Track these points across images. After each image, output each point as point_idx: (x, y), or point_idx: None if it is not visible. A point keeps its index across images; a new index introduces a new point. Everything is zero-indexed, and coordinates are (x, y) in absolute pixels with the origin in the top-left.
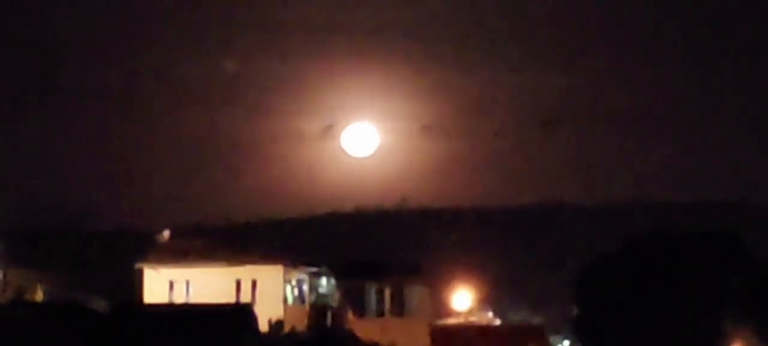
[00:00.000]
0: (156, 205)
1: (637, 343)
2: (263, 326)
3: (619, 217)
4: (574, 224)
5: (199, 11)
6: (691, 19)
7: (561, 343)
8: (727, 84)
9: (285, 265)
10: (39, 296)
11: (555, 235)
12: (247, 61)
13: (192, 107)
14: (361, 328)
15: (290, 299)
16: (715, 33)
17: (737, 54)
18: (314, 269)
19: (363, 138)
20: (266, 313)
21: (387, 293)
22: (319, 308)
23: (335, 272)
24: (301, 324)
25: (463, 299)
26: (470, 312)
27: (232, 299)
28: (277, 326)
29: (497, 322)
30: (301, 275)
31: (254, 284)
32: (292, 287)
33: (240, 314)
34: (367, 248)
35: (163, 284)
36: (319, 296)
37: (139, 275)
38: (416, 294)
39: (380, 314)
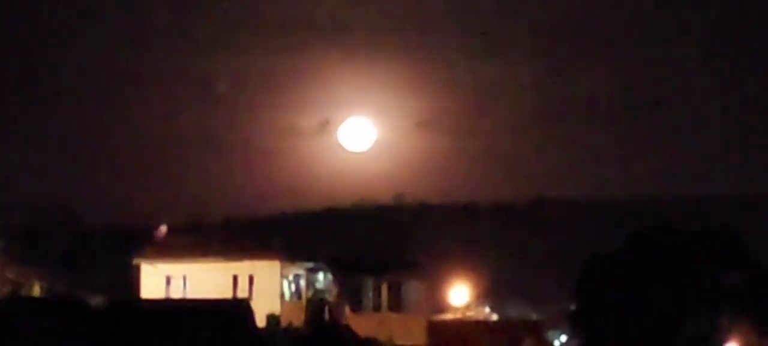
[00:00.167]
0: (153, 200)
1: (634, 339)
2: (260, 321)
3: (618, 213)
4: (571, 220)
5: (194, 8)
6: (689, 14)
7: (558, 338)
8: (725, 79)
9: (282, 260)
10: (36, 291)
11: (553, 230)
12: (244, 57)
13: (188, 103)
14: (358, 323)
15: (287, 295)
16: (712, 27)
17: (735, 49)
18: (311, 265)
19: (360, 133)
20: (263, 308)
21: (384, 288)
22: (316, 303)
23: (332, 267)
24: (298, 319)
25: (460, 295)
26: (467, 307)
27: (229, 295)
28: (274, 321)
29: (494, 317)
30: (298, 270)
31: (251, 279)
32: (289, 283)
33: (237, 309)
34: (365, 243)
35: (160, 279)
36: (317, 291)
37: (136, 270)
38: (413, 289)
39: (377, 309)
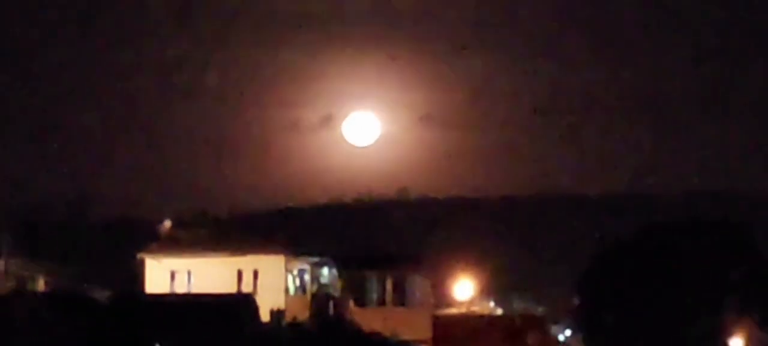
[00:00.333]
0: (157, 195)
1: (638, 333)
2: (265, 316)
3: (621, 207)
4: (575, 214)
5: (197, 4)
6: (690, 8)
7: (562, 333)
8: (728, 73)
9: (287, 255)
10: (40, 286)
11: (556, 225)
12: (248, 52)
13: (191, 99)
14: (362, 318)
15: (292, 289)
16: (715, 21)
17: (737, 43)
18: (316, 259)
19: (364, 127)
20: (268, 303)
21: (389, 283)
22: (320, 298)
23: (337, 262)
24: (303, 314)
25: (464, 289)
26: (472, 302)
27: (233, 289)
28: (278, 316)
29: (499, 312)
30: (302, 265)
31: (256, 274)
32: (294, 277)
33: (241, 304)
34: (369, 237)
35: (164, 274)
36: (321, 286)
37: (141, 265)
38: (418, 284)
39: (382, 304)
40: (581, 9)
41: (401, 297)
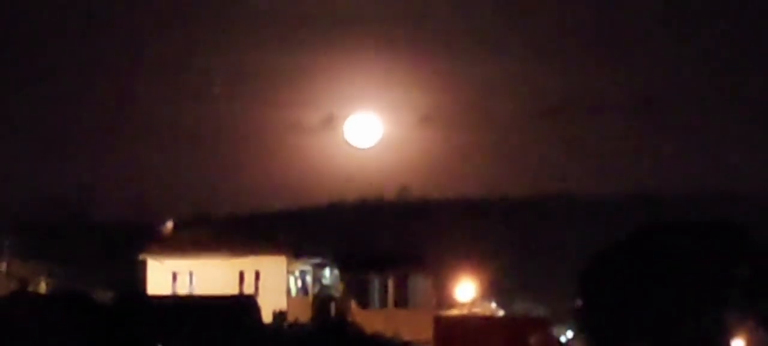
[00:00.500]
0: (159, 196)
1: (640, 334)
2: (266, 318)
3: (623, 208)
4: (577, 215)
5: (198, 4)
6: (691, 7)
7: (565, 334)
8: (731, 73)
9: (288, 256)
10: (42, 287)
11: (558, 226)
12: (249, 53)
13: (193, 100)
14: (364, 319)
15: (293, 291)
16: (718, 21)
17: (742, 43)
18: (318, 261)
19: (366, 129)
20: (269, 304)
21: (390, 284)
22: (322, 300)
23: (339, 263)
24: (305, 315)
25: (466, 290)
26: (474, 303)
27: (235, 291)
28: (280, 317)
29: (501, 313)
30: (304, 266)
31: (257, 275)
32: (296, 279)
33: (243, 305)
34: (371, 239)
35: (166, 275)
36: (323, 287)
37: (143, 266)
38: (420, 285)
39: (384, 305)
40: (583, 10)
41: (403, 298)
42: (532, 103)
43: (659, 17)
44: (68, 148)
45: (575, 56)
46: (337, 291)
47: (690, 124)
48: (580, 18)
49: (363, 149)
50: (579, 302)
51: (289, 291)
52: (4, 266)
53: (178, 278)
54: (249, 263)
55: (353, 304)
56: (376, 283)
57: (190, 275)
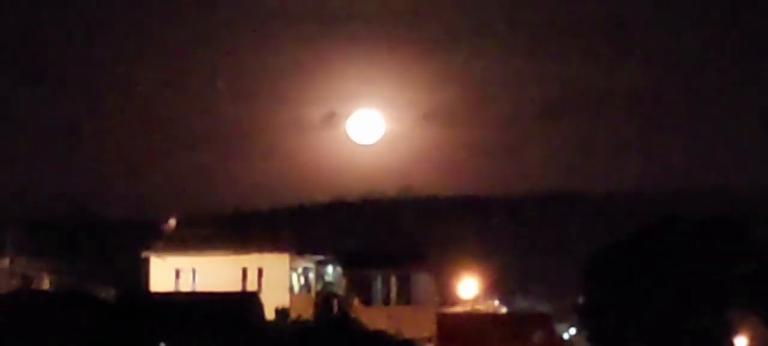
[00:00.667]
0: (162, 194)
1: (644, 331)
2: (269, 315)
3: (625, 205)
4: (579, 212)
5: (200, 3)
6: (693, 5)
7: (567, 331)
8: (734, 70)
9: (291, 253)
10: (45, 284)
11: (561, 223)
12: (253, 50)
13: (195, 98)
14: (367, 316)
15: (296, 288)
16: (722, 16)
17: (746, 38)
18: (320, 258)
19: (368, 125)
20: (272, 301)
21: (393, 281)
22: (325, 297)
23: (342, 260)
24: (307, 313)
25: (469, 288)
26: (476, 300)
27: (238, 288)
28: (283, 314)
29: (503, 310)
30: (307, 263)
31: (260, 272)
32: (299, 276)
33: (246, 302)
34: (374, 236)
35: (169, 272)
36: (326, 284)
37: (146, 263)
38: (422, 282)
39: (386, 302)
40: (585, 7)
41: (406, 295)
42: (535, 101)
43: (662, 14)
44: (71, 146)
45: (578, 53)
46: (340, 288)
47: (693, 122)
48: (582, 15)
49: (366, 146)
50: (581, 299)
51: (291, 288)
52: (7, 264)
53: (181, 275)
54: (252, 261)
55: (356, 301)
56: (378, 280)
57: (193, 272)
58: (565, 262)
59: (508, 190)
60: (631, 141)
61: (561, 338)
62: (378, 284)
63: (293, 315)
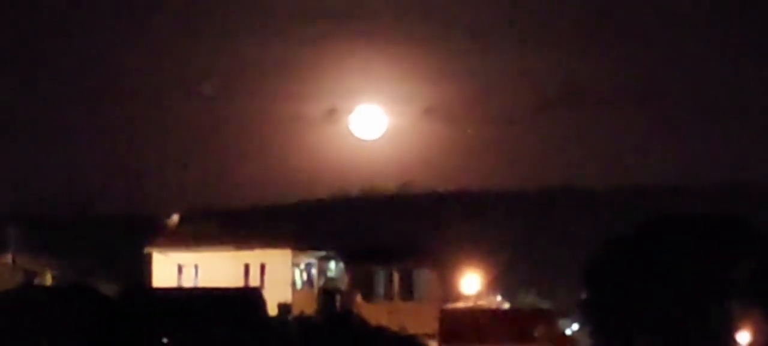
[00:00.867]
0: (164, 190)
1: (645, 327)
2: (272, 310)
3: (628, 200)
4: (582, 208)
5: None
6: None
7: (570, 327)
8: (735, 64)
9: (293, 249)
10: (48, 280)
11: (563, 218)
12: (255, 45)
13: (197, 94)
14: (369, 312)
15: (299, 284)
16: (723, 11)
17: (748, 33)
18: (323, 253)
19: (371, 121)
20: (275, 297)
21: (396, 277)
22: (327, 293)
23: (344, 256)
24: (310, 308)
25: (471, 283)
26: (479, 296)
27: (240, 284)
28: (285, 310)
29: (506, 306)
30: (309, 259)
31: (263, 268)
32: (301, 272)
33: (248, 298)
34: (377, 231)
35: (171, 268)
36: (328, 280)
37: (148, 259)
38: (425, 278)
39: (389, 298)
40: (587, 3)
41: (408, 291)
42: (538, 96)
43: (662, 8)
44: (74, 142)
45: (581, 50)
46: (343, 284)
47: (695, 116)
48: (584, 10)
49: (368, 142)
50: (584, 295)
51: (294, 284)
52: (10, 259)
53: (184, 271)
54: (254, 256)
55: (358, 297)
56: (381, 276)
57: (196, 268)
58: (568, 257)
59: (511, 185)
60: (634, 137)
61: (563, 333)
62: (380, 280)
63: (295, 311)
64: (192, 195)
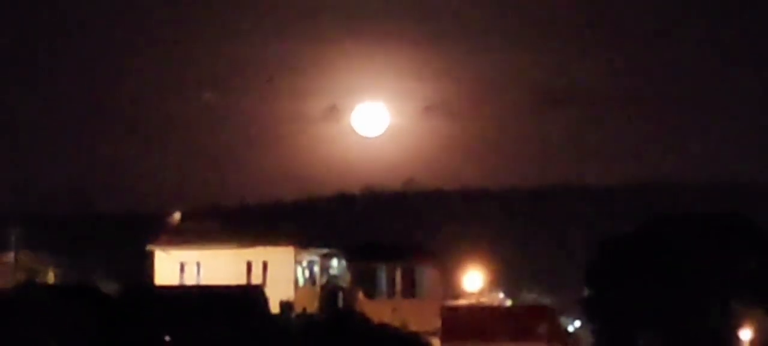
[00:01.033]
0: (166, 187)
1: (647, 324)
2: (274, 308)
3: (631, 198)
4: (584, 205)
5: None
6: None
7: (572, 324)
8: (739, 63)
9: (296, 247)
10: (50, 278)
11: (566, 215)
12: (258, 43)
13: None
14: (372, 309)
15: (301, 281)
16: (723, 11)
17: (745, 33)
18: (325, 251)
19: (373, 118)
20: (277, 294)
21: (398, 274)
22: (330, 290)
23: (346, 253)
24: (312, 306)
25: (473, 280)
26: (481, 293)
27: (242, 281)
28: (287, 307)
29: (508, 303)
30: (312, 256)
31: (265, 265)
32: (303, 269)
33: (251, 295)
34: (379, 229)
35: (173, 265)
36: (330, 277)
37: (150, 257)
38: (427, 275)
39: (391, 295)
40: (588, 3)
41: (410, 288)
42: (539, 94)
43: (663, 8)
44: (77, 141)
45: (582, 48)
46: (345, 281)
47: (698, 116)
48: (586, 10)
49: (370, 139)
50: (586, 292)
51: (296, 281)
52: (12, 257)
53: (186, 268)
54: (257, 254)
55: (361, 294)
56: (383, 273)
57: (198, 265)
58: (570, 255)
59: (513, 182)
60: (635, 135)
61: (565, 330)
62: (382, 277)
63: (298, 308)
64: (194, 193)
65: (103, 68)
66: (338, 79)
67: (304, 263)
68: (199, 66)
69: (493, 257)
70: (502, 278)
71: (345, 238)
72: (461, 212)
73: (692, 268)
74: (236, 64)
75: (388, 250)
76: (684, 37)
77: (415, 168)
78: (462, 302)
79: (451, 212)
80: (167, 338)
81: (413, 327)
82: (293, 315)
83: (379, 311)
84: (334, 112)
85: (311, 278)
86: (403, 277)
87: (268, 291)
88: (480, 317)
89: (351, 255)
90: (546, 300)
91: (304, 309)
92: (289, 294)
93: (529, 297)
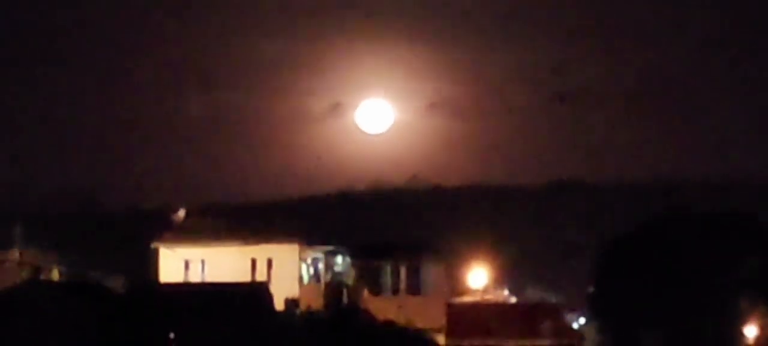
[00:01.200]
0: (171, 185)
1: (652, 322)
2: (279, 305)
3: (636, 195)
4: (589, 203)
5: None
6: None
7: (577, 321)
8: (746, 61)
9: (301, 244)
10: (55, 275)
11: (570, 213)
12: (263, 41)
13: (205, 89)
14: (376, 306)
15: (306, 278)
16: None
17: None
18: (330, 248)
19: (377, 115)
20: (282, 292)
21: (403, 271)
22: (334, 287)
23: (351, 250)
24: (317, 303)
25: (478, 277)
26: (486, 290)
27: (247, 278)
28: (292, 304)
29: (513, 300)
30: (316, 253)
31: (270, 262)
32: (308, 266)
33: (255, 292)
34: (383, 226)
35: (178, 263)
36: (335, 274)
37: (155, 254)
38: (432, 272)
39: (396, 292)
40: (589, 3)
41: (415, 285)
42: (544, 91)
43: (663, 8)
44: (82, 139)
45: (587, 44)
46: (350, 278)
47: (703, 114)
48: (591, 9)
49: (374, 136)
50: (591, 289)
51: (301, 278)
52: (17, 254)
53: (191, 266)
54: (261, 251)
55: (365, 291)
56: (388, 270)
57: (202, 263)
58: (575, 252)
59: (517, 180)
60: (641, 133)
61: (570, 327)
62: (387, 274)
63: (303, 306)
64: (199, 190)
65: (108, 67)
66: (342, 76)
67: (309, 260)
68: (202, 66)
69: (497, 253)
70: (507, 275)
71: (349, 235)
72: (465, 209)
73: (696, 266)
74: (240, 62)
75: (393, 247)
76: (685, 37)
77: (419, 165)
78: (467, 298)
79: (456, 209)
80: (172, 335)
81: (418, 324)
82: (298, 312)
83: (384, 308)
84: (338, 109)
85: (316, 275)
86: (407, 274)
87: (273, 288)
88: (485, 314)
89: (355, 252)
90: (551, 297)
91: (309, 306)
92: (293, 291)
93: (535, 294)
